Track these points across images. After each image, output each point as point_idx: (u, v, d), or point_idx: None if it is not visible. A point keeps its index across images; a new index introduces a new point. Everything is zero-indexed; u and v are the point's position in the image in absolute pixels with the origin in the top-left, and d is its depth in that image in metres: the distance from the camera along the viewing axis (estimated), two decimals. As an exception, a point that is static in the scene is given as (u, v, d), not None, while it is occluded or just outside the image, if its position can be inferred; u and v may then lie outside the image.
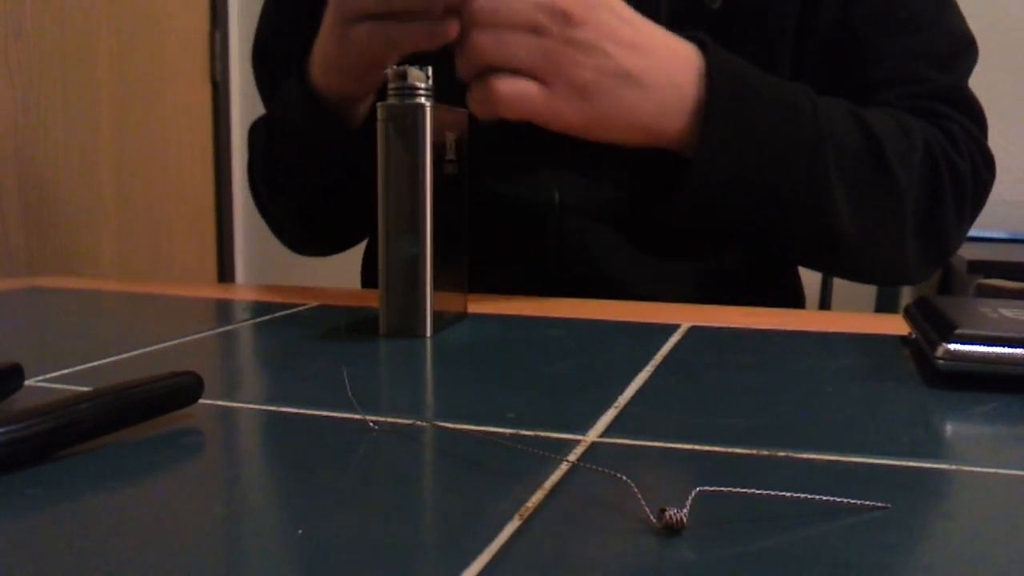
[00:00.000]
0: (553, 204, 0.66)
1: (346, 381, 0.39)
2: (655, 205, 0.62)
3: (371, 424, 0.33)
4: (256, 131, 0.75)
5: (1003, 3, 1.78)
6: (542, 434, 0.32)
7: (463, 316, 0.54)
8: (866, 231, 0.63)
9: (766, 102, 0.59)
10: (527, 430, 0.32)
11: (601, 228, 0.66)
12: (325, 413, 0.35)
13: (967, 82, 0.69)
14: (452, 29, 0.51)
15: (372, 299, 0.50)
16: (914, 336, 0.45)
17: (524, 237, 0.67)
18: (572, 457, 0.30)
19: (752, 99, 0.58)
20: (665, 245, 0.68)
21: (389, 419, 0.34)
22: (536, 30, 0.52)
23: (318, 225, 0.76)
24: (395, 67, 0.47)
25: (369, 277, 0.79)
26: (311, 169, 0.68)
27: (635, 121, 0.56)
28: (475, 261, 0.55)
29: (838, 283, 1.46)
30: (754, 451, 0.30)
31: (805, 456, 0.30)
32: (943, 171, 0.64)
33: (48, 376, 0.40)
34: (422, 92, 0.47)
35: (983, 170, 0.68)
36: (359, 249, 0.82)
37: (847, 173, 0.60)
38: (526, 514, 0.25)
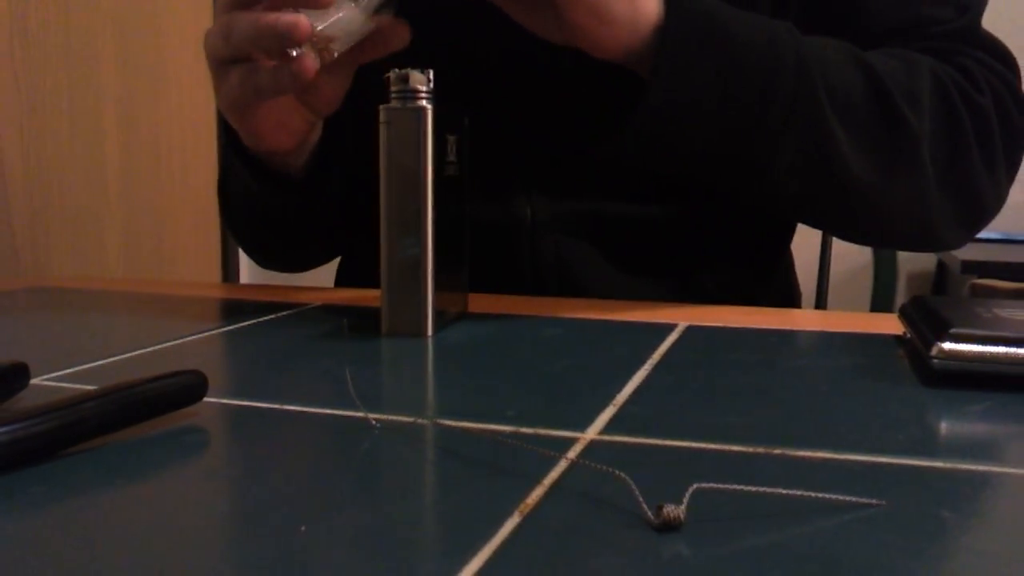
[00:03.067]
0: (526, 222, 0.65)
1: (348, 379, 0.39)
2: (611, 139, 0.56)
3: (373, 422, 0.33)
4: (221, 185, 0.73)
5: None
6: (542, 432, 0.32)
7: (464, 315, 0.55)
8: (880, 182, 0.56)
9: (738, 20, 0.53)
10: (527, 428, 0.33)
11: (576, 244, 0.65)
12: (328, 411, 0.35)
13: (980, 24, 0.64)
14: (310, 67, 0.49)
15: (374, 299, 0.51)
16: (909, 335, 0.45)
17: (499, 257, 0.65)
18: (571, 455, 0.30)
19: (717, 15, 0.53)
20: (642, 259, 0.66)
21: (391, 417, 0.34)
22: None
23: (288, 260, 0.77)
24: (397, 70, 0.48)
25: (344, 276, 0.79)
26: (270, 224, 0.68)
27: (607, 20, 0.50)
28: None
29: (834, 283, 1.46)
30: (750, 449, 0.31)
31: (801, 454, 0.30)
32: (959, 107, 0.58)
33: (54, 375, 0.40)
34: (423, 95, 0.47)
35: (1014, 111, 0.61)
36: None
37: (846, 113, 0.55)
38: (526, 511, 0.25)
